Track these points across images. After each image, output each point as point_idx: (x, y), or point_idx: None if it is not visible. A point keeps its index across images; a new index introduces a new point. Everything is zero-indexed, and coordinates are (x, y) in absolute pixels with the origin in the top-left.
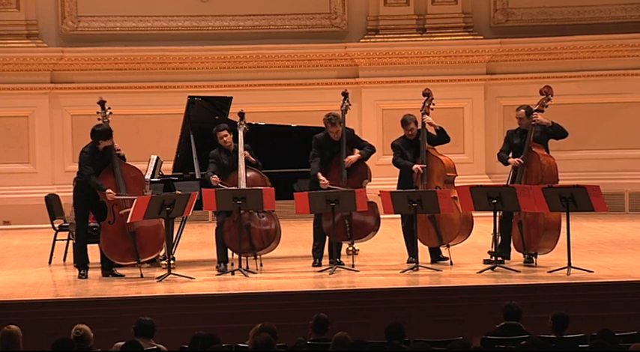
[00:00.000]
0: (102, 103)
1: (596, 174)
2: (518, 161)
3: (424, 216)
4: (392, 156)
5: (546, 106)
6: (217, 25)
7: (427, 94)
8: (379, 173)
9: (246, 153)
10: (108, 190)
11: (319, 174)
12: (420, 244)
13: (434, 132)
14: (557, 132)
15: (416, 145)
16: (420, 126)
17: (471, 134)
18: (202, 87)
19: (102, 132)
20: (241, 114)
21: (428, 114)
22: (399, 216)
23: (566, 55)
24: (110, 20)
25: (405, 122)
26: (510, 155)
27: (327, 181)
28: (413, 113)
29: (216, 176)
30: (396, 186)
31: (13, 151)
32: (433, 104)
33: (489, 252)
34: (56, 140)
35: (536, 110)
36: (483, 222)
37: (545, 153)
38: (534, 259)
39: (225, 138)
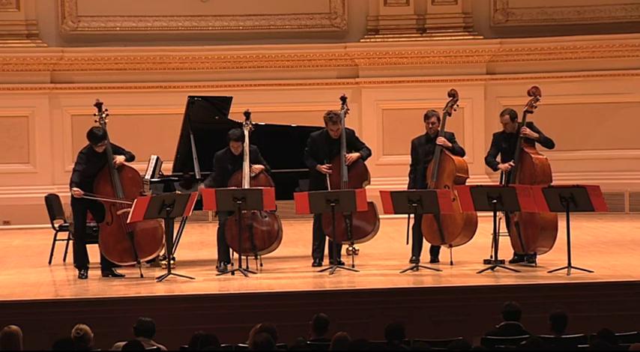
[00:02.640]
0: (99, 105)
1: (596, 174)
2: (509, 165)
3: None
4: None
5: (535, 107)
6: (217, 25)
7: (453, 95)
8: (379, 173)
9: (256, 168)
10: (74, 188)
11: (324, 166)
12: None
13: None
14: (544, 144)
15: (435, 142)
16: (439, 126)
17: (471, 134)
18: (202, 87)
19: (91, 136)
20: (247, 114)
21: (450, 114)
22: (398, 215)
23: (566, 55)
24: (110, 20)
25: (426, 116)
26: (499, 158)
27: (329, 165)
28: (435, 111)
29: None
30: (405, 186)
31: (13, 151)
32: (457, 105)
33: (513, 260)
34: (56, 140)
35: (526, 111)
36: (483, 222)
37: (537, 152)
38: (535, 259)
39: (235, 148)
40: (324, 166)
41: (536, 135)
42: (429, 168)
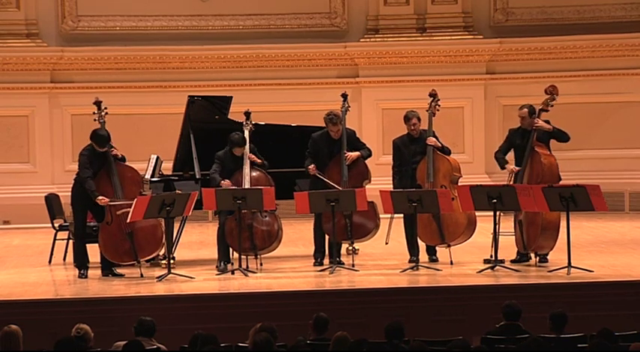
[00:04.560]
0: (98, 104)
1: (596, 174)
2: (515, 169)
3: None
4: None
5: (551, 106)
6: (217, 25)
7: (433, 95)
8: (379, 172)
9: (252, 156)
10: (100, 197)
11: (310, 166)
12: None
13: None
14: (559, 137)
15: (421, 142)
16: (422, 126)
17: (471, 134)
18: (202, 86)
19: (97, 138)
20: (247, 114)
21: (434, 114)
22: (398, 215)
23: (566, 54)
24: (110, 20)
25: (406, 118)
26: (511, 155)
27: (314, 166)
28: (414, 111)
29: (227, 181)
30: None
31: (13, 151)
32: (439, 105)
33: (515, 260)
34: (56, 140)
35: (541, 109)
36: (483, 222)
37: (547, 152)
38: (546, 259)
39: (239, 151)
40: (310, 166)
41: (549, 126)
42: (419, 169)
